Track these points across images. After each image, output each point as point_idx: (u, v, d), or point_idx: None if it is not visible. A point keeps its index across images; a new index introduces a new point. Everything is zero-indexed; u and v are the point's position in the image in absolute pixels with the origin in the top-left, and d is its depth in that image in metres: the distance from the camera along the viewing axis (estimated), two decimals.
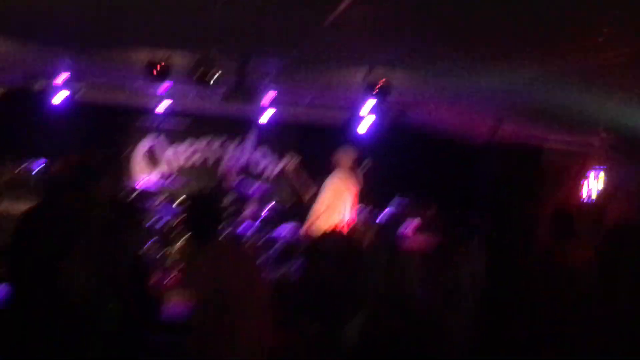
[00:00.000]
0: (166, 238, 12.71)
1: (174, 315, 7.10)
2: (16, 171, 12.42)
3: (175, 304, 8.51)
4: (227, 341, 5.24)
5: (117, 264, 5.44)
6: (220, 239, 5.80)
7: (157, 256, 12.34)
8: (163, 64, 9.40)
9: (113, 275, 5.37)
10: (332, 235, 2.56)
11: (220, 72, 9.02)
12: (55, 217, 7.34)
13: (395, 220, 13.02)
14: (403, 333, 3.82)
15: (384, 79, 9.58)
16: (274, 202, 13.28)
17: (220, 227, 5.93)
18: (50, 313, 5.69)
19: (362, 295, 2.46)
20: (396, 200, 13.25)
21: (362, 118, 13.18)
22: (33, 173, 12.56)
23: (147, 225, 12.58)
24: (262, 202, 13.32)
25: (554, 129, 11.72)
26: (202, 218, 5.67)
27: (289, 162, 13.04)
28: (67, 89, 13.06)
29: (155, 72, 9.44)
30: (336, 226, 10.85)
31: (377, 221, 12.72)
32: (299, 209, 12.67)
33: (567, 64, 7.87)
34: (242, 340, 5.25)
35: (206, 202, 5.89)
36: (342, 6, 6.61)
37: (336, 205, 11.40)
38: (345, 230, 11.51)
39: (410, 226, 13.01)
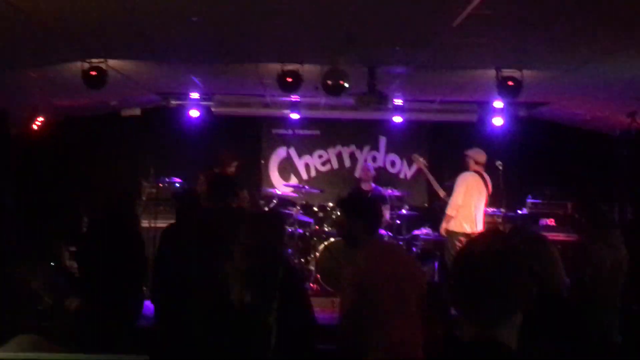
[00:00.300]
0: (305, 246, 12.94)
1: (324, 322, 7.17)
2: (157, 187, 12.81)
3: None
4: (378, 340, 5.24)
5: (270, 274, 5.50)
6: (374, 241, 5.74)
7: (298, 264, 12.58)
8: (294, 75, 9.57)
9: (268, 285, 5.44)
10: (488, 237, 2.58)
11: (349, 83, 9.13)
12: (198, 231, 7.61)
13: (531, 221, 12.94)
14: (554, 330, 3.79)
15: (513, 78, 9.52)
16: (407, 206, 13.29)
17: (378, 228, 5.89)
18: (210, 328, 5.84)
19: (519, 296, 2.50)
20: (529, 200, 13.13)
21: (492, 118, 13.12)
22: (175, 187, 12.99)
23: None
24: (398, 205, 13.36)
25: None
26: (358, 220, 5.62)
27: (420, 163, 13.07)
28: (201, 104, 13.49)
29: (286, 84, 9.62)
30: (487, 229, 10.82)
31: (511, 222, 12.68)
32: (433, 212, 12.71)
33: None
34: (394, 339, 5.24)
35: (363, 204, 5.89)
36: (470, 8, 6.63)
37: (469, 204, 11.37)
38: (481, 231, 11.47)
39: (544, 225, 12.91)
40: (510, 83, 9.56)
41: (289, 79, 9.62)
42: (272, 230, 5.83)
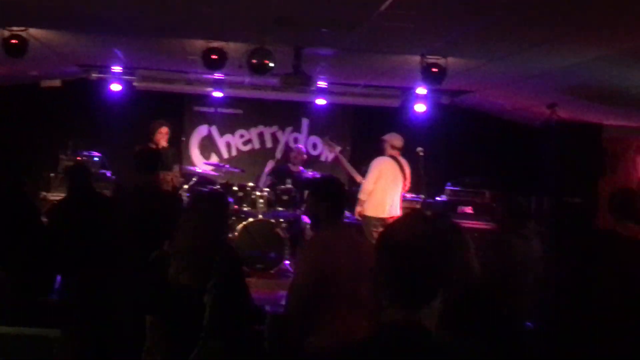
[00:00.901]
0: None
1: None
2: (75, 160, 12.62)
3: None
4: (326, 325, 5.14)
5: (209, 255, 5.44)
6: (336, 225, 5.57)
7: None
8: (219, 53, 9.47)
9: (205, 266, 5.39)
10: (412, 219, 2.55)
11: (274, 63, 9.08)
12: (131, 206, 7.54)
13: (449, 208, 13.07)
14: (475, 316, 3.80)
15: (437, 65, 9.56)
16: None
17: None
18: (139, 305, 5.78)
19: (443, 280, 2.49)
20: (448, 187, 13.26)
21: (415, 104, 13.19)
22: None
23: None
24: None
25: (613, 109, 11.59)
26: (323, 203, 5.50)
27: (332, 149, 13.13)
28: (123, 79, 13.30)
29: (211, 61, 9.52)
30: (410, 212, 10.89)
31: (430, 208, 12.79)
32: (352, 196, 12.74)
33: (626, 44, 7.78)
34: (343, 324, 5.12)
35: (332, 187, 5.76)
36: None
37: (383, 189, 11.44)
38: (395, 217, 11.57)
39: (462, 213, 13.05)
40: (434, 70, 9.57)
41: (214, 57, 9.51)
42: (216, 211, 5.78)
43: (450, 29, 8.13)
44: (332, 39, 9.06)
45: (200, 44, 9.63)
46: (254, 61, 9.14)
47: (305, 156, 13.67)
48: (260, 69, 9.19)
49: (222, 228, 6.00)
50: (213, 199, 6.16)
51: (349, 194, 12.84)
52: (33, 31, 9.38)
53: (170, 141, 12.43)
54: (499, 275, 7.18)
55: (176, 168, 12.41)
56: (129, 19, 8.81)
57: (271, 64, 9.11)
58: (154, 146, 11.65)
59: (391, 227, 2.82)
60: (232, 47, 9.59)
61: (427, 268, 2.64)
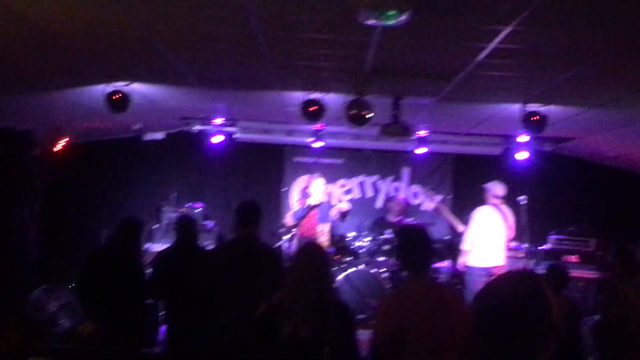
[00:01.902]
0: None
1: None
2: (179, 211, 12.81)
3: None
4: None
5: (328, 307, 5.44)
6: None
7: None
8: (317, 104, 9.50)
9: (326, 319, 5.37)
10: (514, 276, 2.47)
11: (372, 113, 9.05)
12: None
13: (553, 257, 12.80)
14: None
15: (538, 113, 9.42)
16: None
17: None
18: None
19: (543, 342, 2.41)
20: (552, 236, 13.01)
21: (517, 152, 12.99)
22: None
23: None
24: None
25: None
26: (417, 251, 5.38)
27: (434, 202, 13.02)
28: (224, 130, 13.47)
29: (309, 113, 9.54)
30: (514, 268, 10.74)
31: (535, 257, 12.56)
32: (454, 245, 12.56)
33: None
34: None
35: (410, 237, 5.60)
36: (495, 42, 6.56)
37: (486, 239, 11.26)
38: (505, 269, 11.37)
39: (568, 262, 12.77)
40: (534, 118, 9.44)
41: (312, 108, 9.52)
42: (327, 263, 5.74)
43: (549, 77, 8.00)
44: (431, 88, 9.01)
45: (298, 95, 9.67)
46: (353, 112, 9.10)
47: (404, 206, 13.58)
48: (358, 121, 9.16)
49: (331, 282, 5.95)
50: (320, 251, 6.10)
51: (450, 244, 12.81)
52: (135, 85, 9.57)
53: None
54: (616, 324, 7.05)
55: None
56: (228, 73, 8.92)
57: (369, 115, 9.07)
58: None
59: (493, 283, 2.75)
60: (331, 99, 9.60)
61: (527, 329, 2.57)
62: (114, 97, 9.35)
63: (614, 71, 7.49)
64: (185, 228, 8.88)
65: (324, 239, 12.07)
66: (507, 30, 6.16)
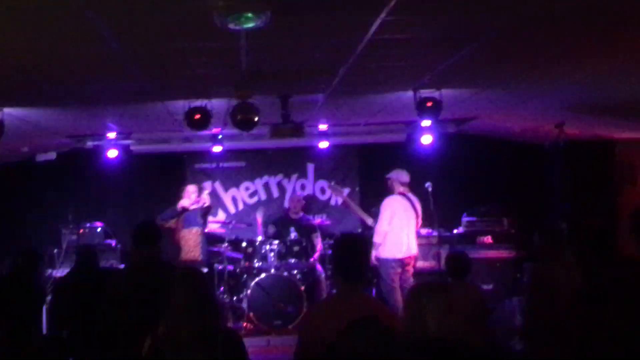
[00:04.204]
0: (236, 283, 12.55)
1: None
2: (78, 233, 12.40)
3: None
4: None
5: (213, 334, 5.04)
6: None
7: (229, 303, 12.16)
8: (201, 112, 9.10)
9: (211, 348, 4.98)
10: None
11: (258, 117, 8.69)
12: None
13: (467, 239, 12.67)
14: None
15: (432, 99, 9.15)
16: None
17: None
18: None
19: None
20: (465, 219, 12.87)
21: (421, 136, 12.74)
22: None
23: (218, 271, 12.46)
24: (330, 234, 13.04)
25: (627, 122, 11.10)
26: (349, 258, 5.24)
27: (339, 194, 12.79)
28: (119, 143, 12.98)
29: (194, 121, 9.14)
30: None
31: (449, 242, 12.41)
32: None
33: (638, 55, 7.30)
34: None
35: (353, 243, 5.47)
36: (369, 34, 6.24)
37: (398, 229, 11.03)
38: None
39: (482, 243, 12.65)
40: (429, 104, 9.18)
41: (197, 116, 9.11)
42: (206, 288, 5.37)
43: (434, 63, 7.71)
44: (316, 85, 8.72)
45: (182, 104, 9.25)
46: (239, 117, 8.74)
47: (303, 202, 13.31)
48: (246, 125, 8.80)
49: (215, 308, 5.55)
50: (198, 273, 5.70)
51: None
52: (9, 110, 9.05)
53: None
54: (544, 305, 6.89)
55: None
56: (103, 90, 8.54)
57: (256, 118, 8.70)
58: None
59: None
60: (216, 104, 9.23)
61: None
62: None
63: (499, 53, 7.25)
64: (84, 256, 8.66)
65: (190, 243, 12.08)
66: (378, 21, 5.84)
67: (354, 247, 5.37)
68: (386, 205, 11.20)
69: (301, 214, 13.09)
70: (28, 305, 7.83)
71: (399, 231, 11.09)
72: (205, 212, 12.48)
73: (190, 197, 12.27)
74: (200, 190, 12.53)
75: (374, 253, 11.03)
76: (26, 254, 8.42)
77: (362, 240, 5.60)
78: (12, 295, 7.78)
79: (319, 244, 12.69)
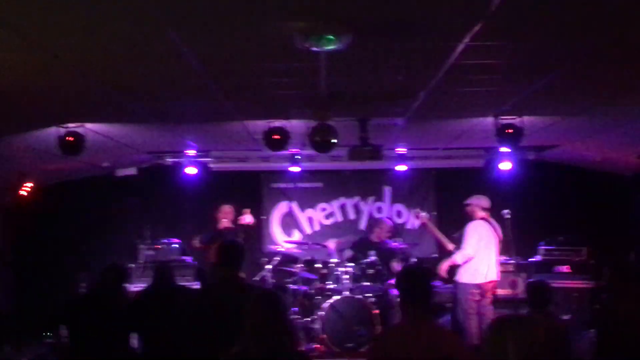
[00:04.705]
0: (309, 304, 12.47)
1: None
2: (155, 249, 12.48)
3: None
4: None
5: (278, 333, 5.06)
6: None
7: (301, 324, 12.09)
8: (280, 132, 9.13)
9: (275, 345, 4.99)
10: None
11: (336, 139, 8.66)
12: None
13: (544, 268, 12.43)
14: None
15: (512, 125, 9.05)
16: (416, 258, 12.86)
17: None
18: None
19: None
20: (542, 247, 12.65)
21: (500, 162, 12.57)
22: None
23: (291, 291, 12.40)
24: (406, 258, 12.91)
25: None
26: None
27: (423, 219, 12.59)
28: (198, 161, 13.09)
29: (273, 141, 9.18)
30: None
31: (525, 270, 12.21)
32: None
33: None
34: None
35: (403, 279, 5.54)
36: (451, 59, 6.20)
37: (481, 254, 10.86)
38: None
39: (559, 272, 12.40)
40: (509, 130, 9.09)
41: (276, 137, 9.16)
42: (283, 308, 5.39)
43: (516, 90, 7.65)
44: (395, 108, 8.71)
45: (261, 124, 9.30)
46: (317, 139, 8.72)
47: (391, 227, 13.19)
48: (323, 147, 8.78)
49: (286, 332, 5.54)
50: (273, 296, 5.69)
51: (438, 263, 12.43)
52: (91, 125, 9.19)
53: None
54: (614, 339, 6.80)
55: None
56: (185, 110, 8.68)
57: (334, 140, 8.67)
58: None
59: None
60: (295, 125, 9.26)
61: None
62: (67, 139, 8.98)
63: (583, 80, 7.16)
64: (160, 273, 8.65)
65: None
66: (461, 46, 5.80)
67: (418, 277, 5.42)
68: (473, 230, 10.95)
69: (386, 238, 12.96)
70: (117, 320, 8.04)
71: (482, 256, 10.88)
72: (247, 230, 12.29)
73: (228, 217, 12.16)
74: (237, 211, 12.29)
75: (445, 264, 10.92)
76: (113, 270, 8.42)
77: (425, 271, 5.72)
78: (102, 310, 7.98)
79: (397, 267, 12.55)
